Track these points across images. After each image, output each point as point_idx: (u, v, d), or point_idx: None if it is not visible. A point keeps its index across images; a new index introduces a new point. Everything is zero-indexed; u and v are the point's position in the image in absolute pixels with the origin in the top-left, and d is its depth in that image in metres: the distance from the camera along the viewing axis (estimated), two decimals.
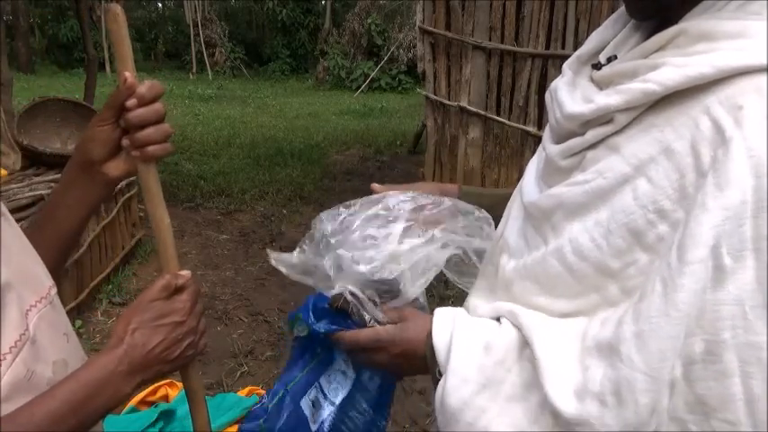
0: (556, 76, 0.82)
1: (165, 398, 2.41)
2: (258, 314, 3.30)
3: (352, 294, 0.78)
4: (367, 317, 0.78)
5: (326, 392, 0.84)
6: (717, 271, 0.53)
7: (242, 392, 2.46)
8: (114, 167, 0.79)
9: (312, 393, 0.84)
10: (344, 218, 0.82)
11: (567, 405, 0.59)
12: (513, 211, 0.83)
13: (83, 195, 0.80)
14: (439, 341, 0.71)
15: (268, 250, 0.84)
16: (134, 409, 2.31)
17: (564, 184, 0.68)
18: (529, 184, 0.79)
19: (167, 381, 2.47)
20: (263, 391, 2.45)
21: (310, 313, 0.82)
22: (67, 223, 0.81)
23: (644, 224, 0.59)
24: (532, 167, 0.82)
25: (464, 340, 0.69)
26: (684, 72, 0.58)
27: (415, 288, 0.79)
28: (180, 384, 2.47)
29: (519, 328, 0.68)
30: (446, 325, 0.72)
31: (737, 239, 0.53)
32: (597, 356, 0.59)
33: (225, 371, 2.75)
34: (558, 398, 0.59)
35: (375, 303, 0.79)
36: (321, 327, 0.80)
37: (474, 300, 0.80)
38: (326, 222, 0.83)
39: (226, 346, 2.97)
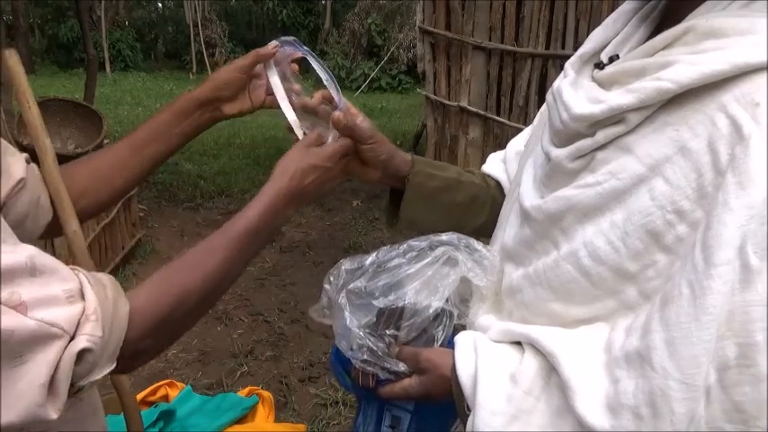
0: (556, 76, 0.81)
1: (165, 398, 2.41)
2: (258, 314, 3.30)
3: (364, 362, 0.77)
4: (392, 368, 0.77)
5: (398, 404, 0.84)
6: (744, 272, 0.52)
7: (242, 392, 2.45)
8: (230, 107, 0.94)
9: (387, 419, 0.85)
10: (364, 262, 0.82)
11: (602, 422, 0.57)
12: (510, 218, 0.81)
13: (192, 127, 0.93)
14: (464, 375, 0.69)
15: (309, 311, 0.86)
16: None
17: (573, 186, 0.67)
18: (527, 189, 0.77)
19: (167, 381, 2.47)
20: (263, 391, 2.45)
21: (343, 373, 0.84)
22: (169, 149, 0.93)
23: (662, 225, 0.58)
24: (528, 171, 0.81)
25: (490, 372, 0.67)
26: (699, 69, 0.57)
27: (432, 304, 0.77)
28: (180, 384, 2.47)
29: (542, 352, 0.66)
30: (469, 356, 0.70)
31: (762, 238, 0.52)
32: (627, 368, 0.58)
33: (225, 371, 2.75)
34: (591, 416, 0.58)
35: (389, 354, 0.77)
36: (355, 389, 0.83)
37: (483, 320, 0.78)
38: (347, 263, 0.84)
39: (226, 346, 2.97)
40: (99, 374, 0.59)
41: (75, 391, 0.58)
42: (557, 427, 0.62)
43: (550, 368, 0.64)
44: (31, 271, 0.54)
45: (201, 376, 2.72)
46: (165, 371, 2.73)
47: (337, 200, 5.34)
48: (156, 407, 2.28)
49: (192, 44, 16.30)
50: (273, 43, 0.91)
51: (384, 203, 0.99)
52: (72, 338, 0.55)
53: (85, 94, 4.85)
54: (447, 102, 4.73)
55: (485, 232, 0.96)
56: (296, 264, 4.00)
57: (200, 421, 2.24)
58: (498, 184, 1.01)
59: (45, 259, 0.56)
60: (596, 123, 0.65)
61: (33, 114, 0.89)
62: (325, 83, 0.89)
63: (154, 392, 2.40)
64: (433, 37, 4.62)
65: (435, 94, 4.80)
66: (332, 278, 0.83)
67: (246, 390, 2.47)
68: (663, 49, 0.63)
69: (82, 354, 0.56)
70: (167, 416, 2.22)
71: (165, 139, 0.91)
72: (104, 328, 0.57)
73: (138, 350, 0.64)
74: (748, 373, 0.51)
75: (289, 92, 0.93)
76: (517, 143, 1.02)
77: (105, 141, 3.86)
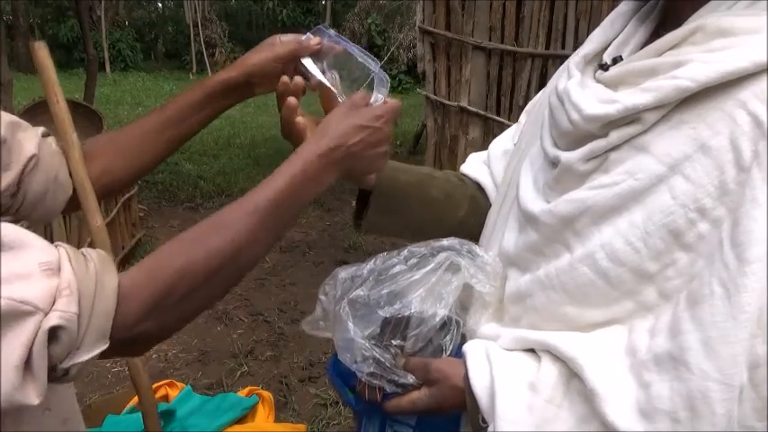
0: None
1: (165, 398, 2.41)
2: (258, 314, 3.30)
3: (371, 374, 0.74)
4: (400, 380, 0.74)
5: (400, 419, 0.81)
6: None
7: (242, 392, 2.45)
8: (260, 90, 0.89)
9: None
10: (362, 270, 0.79)
11: (636, 428, 0.56)
12: (509, 223, 0.79)
13: (217, 110, 0.92)
14: (479, 386, 0.67)
15: (303, 324, 0.82)
16: (134, 410, 2.31)
17: (586, 188, 0.66)
18: (528, 193, 0.76)
19: (167, 381, 2.47)
20: (263, 391, 2.45)
21: (345, 389, 0.80)
22: (192, 131, 0.92)
23: (684, 223, 0.58)
24: (527, 174, 0.79)
25: (508, 383, 0.65)
26: (718, 68, 0.57)
27: (438, 312, 0.74)
28: (180, 384, 2.47)
29: (561, 359, 0.64)
30: (483, 366, 0.68)
31: None
32: (658, 371, 0.56)
33: (225, 371, 2.75)
34: (622, 423, 0.56)
35: (396, 365, 0.74)
36: (358, 406, 0.79)
37: (486, 328, 0.76)
38: (343, 272, 0.80)
39: (226, 346, 2.97)
40: (86, 355, 0.55)
41: (61, 374, 0.54)
42: None
43: (570, 374, 0.63)
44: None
45: (201, 376, 2.72)
46: (165, 371, 2.73)
47: (337, 200, 5.34)
48: (156, 407, 2.28)
49: (192, 44, 16.29)
50: (316, 39, 0.85)
51: (354, 203, 0.95)
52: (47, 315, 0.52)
53: (85, 93, 4.85)
54: (447, 102, 4.72)
55: (466, 229, 0.91)
56: (296, 264, 4.00)
57: (200, 421, 2.24)
58: (477, 184, 0.98)
59: (19, 234, 0.52)
60: (610, 124, 0.65)
61: (61, 109, 0.89)
62: (374, 76, 0.82)
63: (154, 392, 2.40)
64: (432, 37, 4.62)
65: (435, 94, 4.79)
66: (327, 288, 0.79)
67: (246, 390, 2.47)
68: (671, 48, 0.63)
69: (55, 332, 0.52)
70: (167, 416, 2.22)
71: (192, 120, 0.90)
72: (82, 304, 0.54)
73: (139, 332, 0.60)
74: None
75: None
76: (502, 142, 0.99)
77: None
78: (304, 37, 0.86)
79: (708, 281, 0.55)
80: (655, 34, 0.68)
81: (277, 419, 2.37)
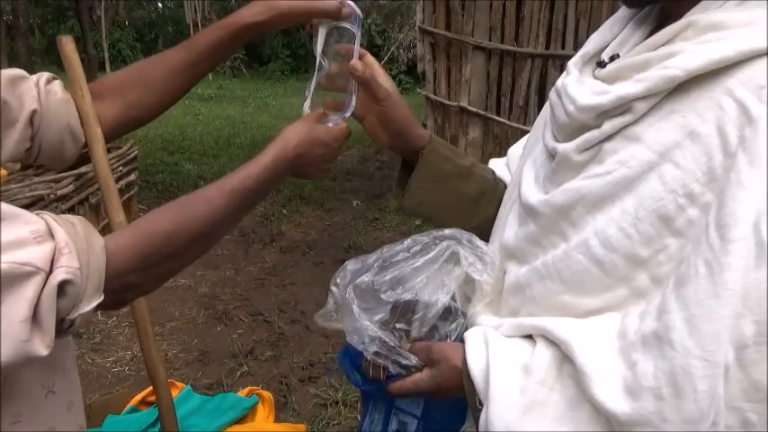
0: (556, 77, 0.82)
1: None
2: (258, 314, 3.30)
3: (376, 354, 0.77)
4: (403, 361, 0.77)
5: (406, 409, 0.84)
6: (759, 249, 0.53)
7: (242, 392, 2.46)
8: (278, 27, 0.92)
9: (394, 423, 0.84)
10: (369, 260, 0.82)
11: (622, 406, 0.57)
12: (509, 218, 0.81)
13: (235, 49, 0.95)
14: (475, 368, 0.69)
15: (315, 317, 0.85)
16: (134, 409, 2.31)
17: (581, 178, 0.68)
18: (529, 187, 0.77)
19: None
20: (263, 391, 2.45)
21: (353, 370, 0.82)
22: (210, 69, 0.95)
23: (674, 209, 0.59)
24: (528, 171, 0.81)
25: (502, 365, 0.67)
26: (707, 56, 0.59)
27: (440, 298, 0.77)
28: (180, 384, 2.47)
29: (554, 343, 0.66)
30: (480, 350, 0.70)
31: None
32: (644, 350, 0.57)
33: (225, 371, 2.75)
34: (610, 401, 0.57)
35: (401, 347, 0.77)
36: (365, 386, 0.82)
37: (483, 320, 0.78)
38: (351, 263, 0.83)
39: (226, 346, 2.97)
40: (87, 306, 0.61)
41: (67, 326, 0.60)
42: (572, 418, 0.62)
43: (563, 358, 0.64)
44: None
45: (201, 376, 2.72)
46: (166, 371, 2.73)
47: (337, 200, 5.34)
48: (156, 407, 2.28)
49: None
50: (346, 9, 0.85)
51: (396, 173, 0.96)
52: (49, 274, 0.56)
53: None
54: (447, 102, 4.73)
55: (484, 232, 0.92)
56: (296, 264, 4.00)
57: (200, 421, 2.24)
58: (505, 185, 1.00)
59: (6, 207, 0.57)
60: (603, 114, 0.66)
61: (86, 102, 0.90)
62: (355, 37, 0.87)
63: (154, 392, 2.40)
64: (433, 37, 4.62)
65: (435, 94, 4.79)
66: (338, 279, 0.82)
67: (246, 390, 2.47)
68: (664, 44, 0.64)
69: (63, 287, 0.57)
70: None
71: (216, 59, 0.92)
72: (81, 260, 0.59)
73: (128, 283, 0.67)
74: (765, 352, 0.52)
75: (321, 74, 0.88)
76: (518, 148, 1.02)
77: None
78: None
79: (693, 262, 0.56)
80: (651, 35, 0.69)
81: (277, 419, 2.37)
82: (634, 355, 0.58)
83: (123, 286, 0.67)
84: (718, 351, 0.53)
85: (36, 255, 0.55)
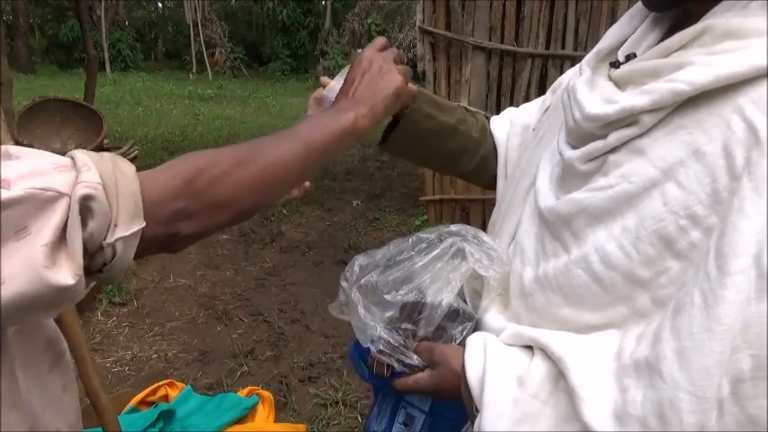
0: (556, 77, 0.81)
1: (165, 398, 2.41)
2: (258, 314, 3.30)
3: (380, 352, 0.78)
4: (406, 360, 0.78)
5: (414, 403, 0.85)
6: (760, 281, 0.50)
7: (242, 392, 2.46)
8: None
9: (401, 416, 0.85)
10: (376, 256, 0.83)
11: (607, 430, 0.56)
12: (525, 214, 0.79)
13: None
14: (472, 375, 0.68)
15: (329, 308, 0.86)
16: (134, 409, 2.31)
17: (585, 189, 0.66)
18: (543, 189, 0.76)
19: (167, 381, 2.47)
20: (263, 391, 2.45)
21: (361, 363, 0.84)
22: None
23: (675, 231, 0.56)
24: (545, 168, 0.79)
25: (498, 375, 0.66)
26: (715, 71, 0.56)
27: (445, 297, 0.77)
28: (180, 384, 2.47)
29: (551, 357, 0.64)
30: (478, 357, 0.69)
31: None
32: (636, 376, 0.56)
33: (225, 371, 2.75)
34: (596, 424, 0.56)
35: (405, 346, 0.78)
36: (371, 379, 0.83)
37: (490, 318, 0.78)
38: (360, 259, 0.84)
39: (226, 346, 2.97)
40: (125, 231, 0.55)
41: (110, 257, 0.55)
42: None
43: (558, 373, 0.63)
44: (6, 155, 0.52)
45: (201, 376, 2.72)
46: (165, 371, 2.73)
47: (337, 200, 5.35)
48: (155, 407, 2.29)
49: (192, 44, 16.30)
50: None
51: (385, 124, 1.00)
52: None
53: (85, 94, 4.85)
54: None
55: (472, 178, 1.04)
56: (296, 264, 4.00)
57: (200, 421, 2.25)
58: (494, 144, 1.03)
59: (25, 149, 0.54)
60: (609, 124, 0.64)
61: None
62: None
63: (154, 392, 2.40)
64: (432, 37, 4.62)
65: (435, 94, 4.80)
66: (348, 274, 0.83)
67: (246, 390, 2.47)
68: (678, 49, 0.62)
69: (86, 204, 0.52)
70: (167, 416, 2.22)
71: None
72: (105, 179, 0.54)
73: (176, 211, 0.60)
74: (763, 387, 0.50)
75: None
76: (525, 116, 1.01)
77: (105, 141, 3.87)
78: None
79: (690, 290, 0.54)
80: (670, 33, 0.66)
81: (277, 419, 2.37)
82: (626, 380, 0.57)
83: (172, 215, 0.60)
84: (708, 387, 0.51)
85: (56, 181, 0.51)
